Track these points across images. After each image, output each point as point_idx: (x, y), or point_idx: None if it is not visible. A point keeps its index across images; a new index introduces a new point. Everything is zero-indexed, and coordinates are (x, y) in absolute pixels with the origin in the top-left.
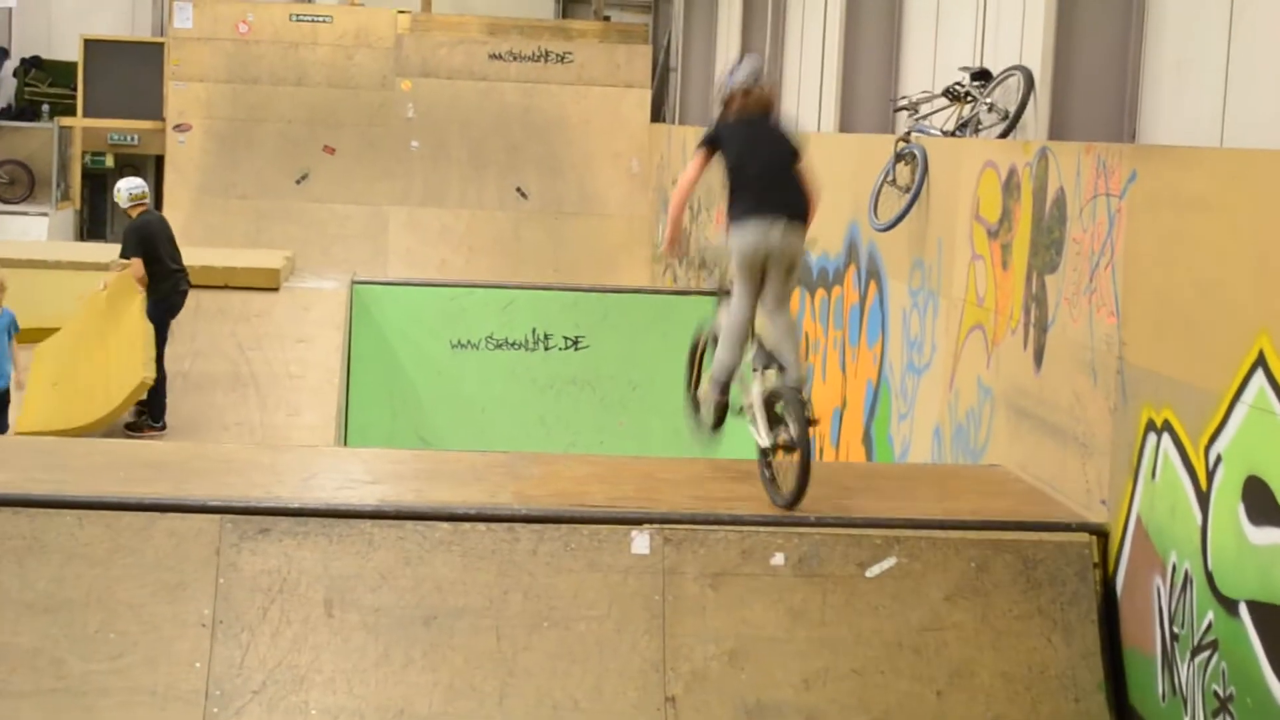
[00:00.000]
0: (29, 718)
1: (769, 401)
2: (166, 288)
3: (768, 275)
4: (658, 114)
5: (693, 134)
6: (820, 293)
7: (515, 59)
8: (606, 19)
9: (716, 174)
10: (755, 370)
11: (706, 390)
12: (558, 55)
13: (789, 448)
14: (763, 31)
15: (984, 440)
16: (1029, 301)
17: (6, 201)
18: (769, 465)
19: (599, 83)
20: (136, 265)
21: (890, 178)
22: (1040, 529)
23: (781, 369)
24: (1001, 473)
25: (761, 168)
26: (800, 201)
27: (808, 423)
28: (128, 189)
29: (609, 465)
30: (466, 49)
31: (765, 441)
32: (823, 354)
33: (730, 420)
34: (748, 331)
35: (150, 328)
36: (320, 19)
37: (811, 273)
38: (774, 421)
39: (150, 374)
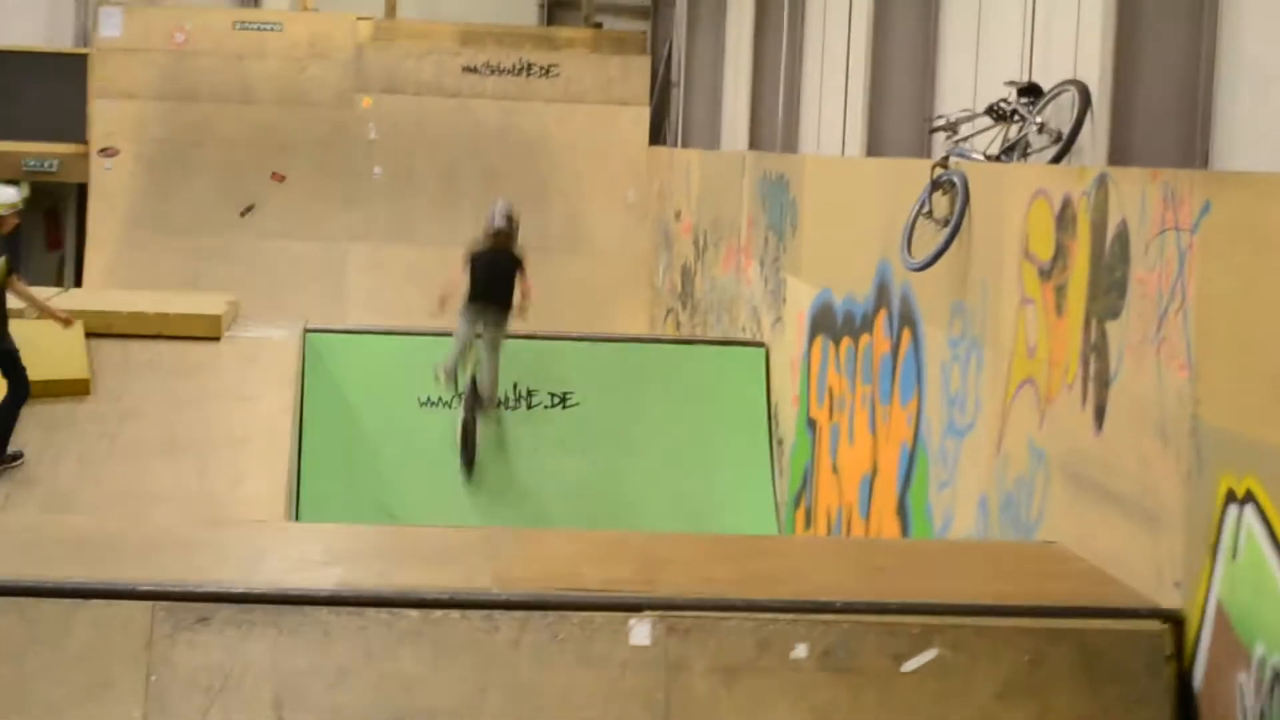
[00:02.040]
0: None
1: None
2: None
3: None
4: (657, 135)
5: (698, 158)
6: (846, 342)
7: (493, 72)
8: (598, 26)
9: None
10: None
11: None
12: (541, 68)
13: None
14: (777, 40)
15: (1037, 512)
16: (1087, 352)
17: None
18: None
19: (589, 99)
20: None
21: (926, 209)
22: (1104, 615)
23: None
24: (1058, 550)
25: (487, 277)
26: (507, 295)
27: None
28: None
29: (602, 542)
30: (436, 61)
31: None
32: (849, 412)
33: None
34: (467, 346)
35: None
36: (268, 27)
37: (835, 319)
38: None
39: None
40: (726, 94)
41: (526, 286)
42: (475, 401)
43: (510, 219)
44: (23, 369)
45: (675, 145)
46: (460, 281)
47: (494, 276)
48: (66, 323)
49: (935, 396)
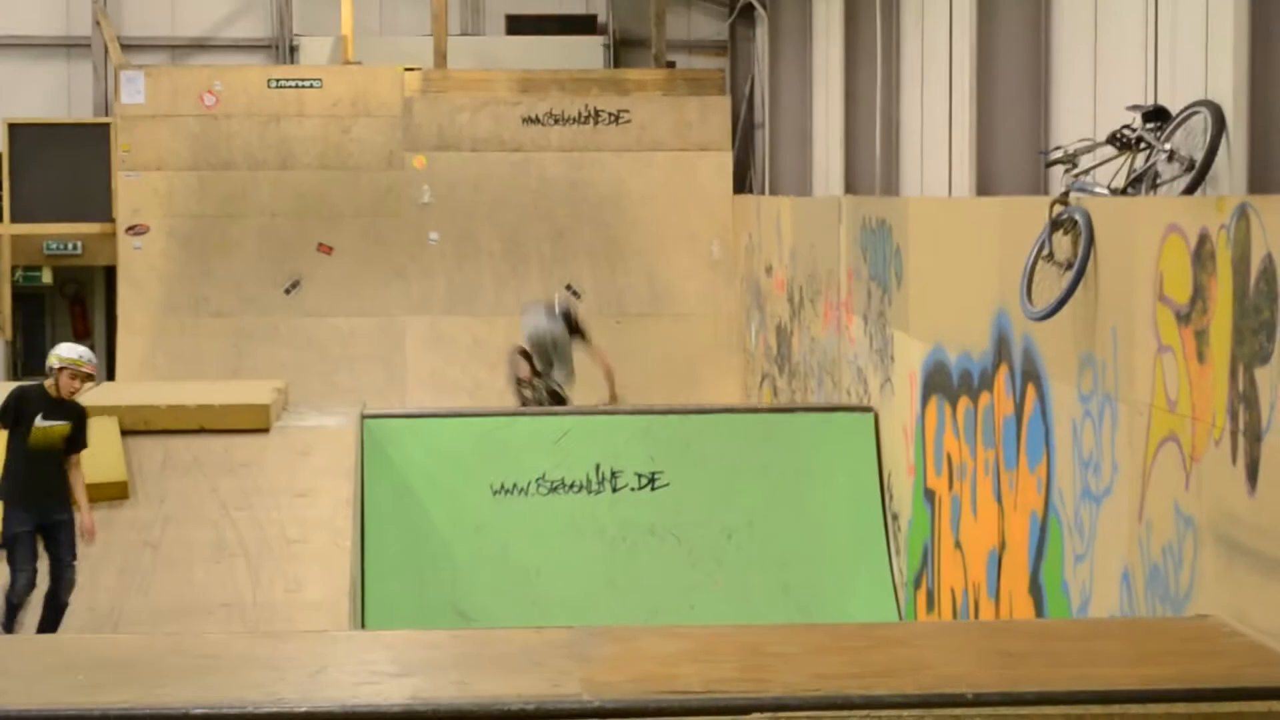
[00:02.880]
0: None
1: None
2: None
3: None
4: (742, 182)
5: (789, 206)
6: (963, 402)
7: (557, 121)
8: (670, 66)
9: None
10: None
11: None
12: (610, 114)
13: None
14: (871, 72)
15: (1188, 584)
16: (1236, 403)
17: None
18: None
19: (665, 146)
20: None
21: (1046, 251)
22: (1270, 697)
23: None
24: (1213, 625)
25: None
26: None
27: None
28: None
29: (703, 638)
30: (494, 112)
31: None
32: (970, 480)
33: None
34: None
35: None
36: (307, 84)
37: (950, 377)
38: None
39: None
40: (817, 133)
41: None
42: None
43: (567, 316)
44: (74, 564)
45: (762, 193)
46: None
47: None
48: (88, 536)
49: (1066, 459)
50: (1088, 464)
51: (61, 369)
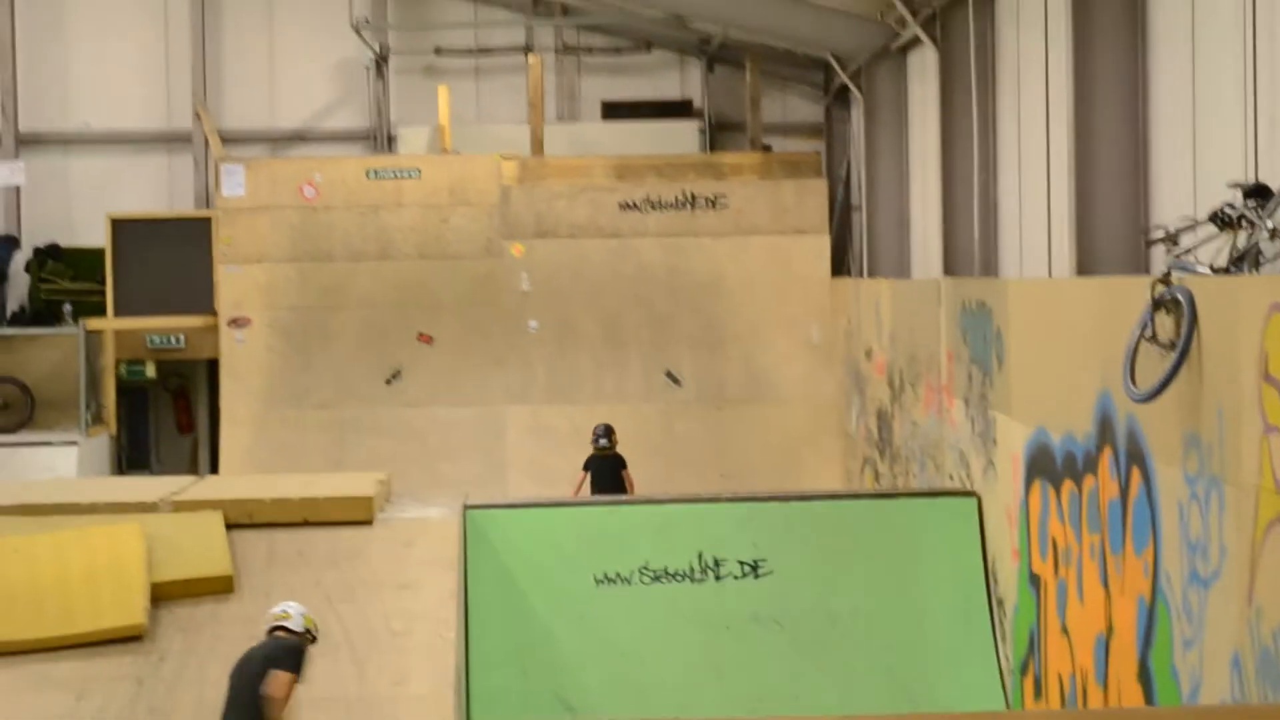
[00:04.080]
0: None
1: None
2: None
3: None
4: (840, 265)
5: (888, 289)
6: (1067, 485)
7: (654, 207)
8: (767, 149)
9: None
10: None
11: None
12: (708, 199)
13: None
14: (968, 151)
15: None
16: None
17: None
18: None
19: (763, 230)
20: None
21: (1148, 332)
22: None
23: None
24: None
25: (600, 479)
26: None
27: None
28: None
29: None
30: (591, 199)
31: None
32: (1076, 565)
33: None
34: None
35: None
36: (405, 174)
37: (1054, 460)
38: None
39: (144, 622)
40: (914, 215)
41: (630, 480)
42: None
43: (609, 435)
44: None
45: (860, 275)
46: (583, 481)
47: (605, 476)
48: None
49: (1173, 543)
50: (1195, 547)
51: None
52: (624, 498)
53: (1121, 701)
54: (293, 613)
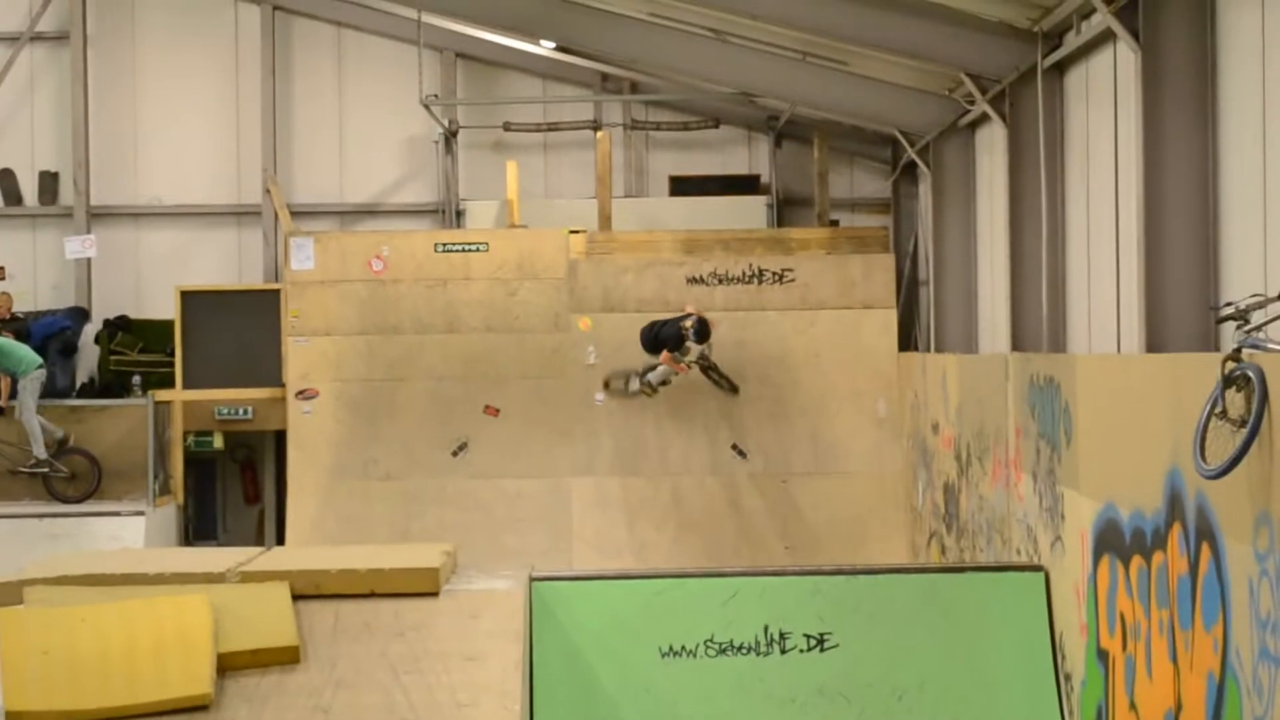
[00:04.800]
0: None
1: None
2: None
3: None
4: (907, 339)
5: (955, 363)
6: (1136, 561)
7: (721, 281)
8: (834, 224)
9: None
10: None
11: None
12: (775, 274)
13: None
14: (1036, 226)
15: None
16: None
17: (67, 500)
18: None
19: (830, 305)
20: None
21: (1219, 409)
22: None
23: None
24: None
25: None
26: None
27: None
28: None
29: None
30: (658, 273)
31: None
32: (1145, 640)
33: None
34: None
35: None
36: (474, 248)
37: (1123, 536)
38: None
39: (210, 692)
40: (982, 289)
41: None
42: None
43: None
44: None
45: (928, 350)
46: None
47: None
48: None
49: (1243, 619)
50: (1265, 624)
51: None
52: (689, 570)
53: None
54: None
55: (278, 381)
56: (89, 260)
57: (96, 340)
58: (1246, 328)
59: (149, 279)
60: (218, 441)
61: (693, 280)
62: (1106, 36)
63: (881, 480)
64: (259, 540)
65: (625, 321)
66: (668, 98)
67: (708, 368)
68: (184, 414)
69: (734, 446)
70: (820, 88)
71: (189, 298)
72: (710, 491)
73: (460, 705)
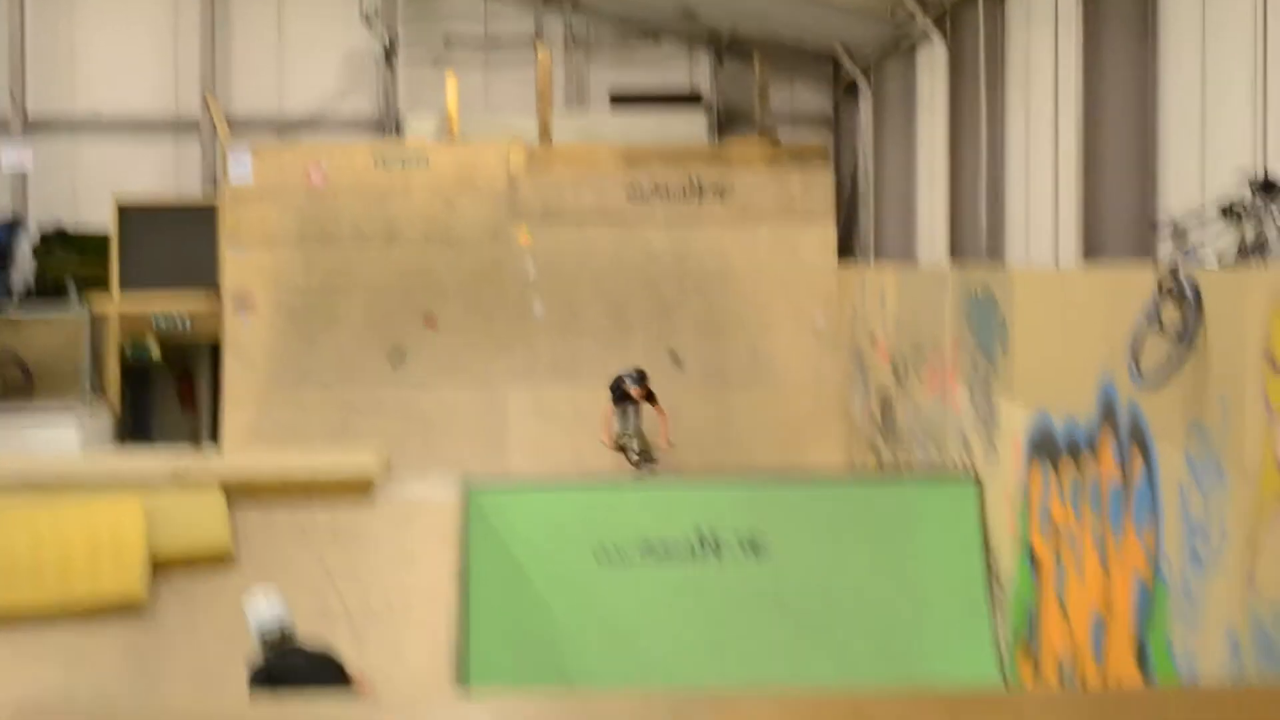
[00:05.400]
0: None
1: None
2: None
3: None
4: (845, 253)
5: (893, 277)
6: (1069, 468)
7: (661, 196)
8: (774, 139)
9: None
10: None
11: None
12: (715, 188)
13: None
14: (975, 143)
15: None
16: None
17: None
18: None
19: (769, 219)
20: None
21: (1154, 320)
22: None
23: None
24: None
25: None
26: None
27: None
28: (261, 627)
29: (806, 705)
30: (598, 187)
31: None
32: (1076, 545)
33: None
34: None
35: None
36: (413, 161)
37: (1056, 443)
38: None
39: (143, 593)
40: (921, 204)
41: (660, 410)
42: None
43: (643, 380)
44: None
45: (866, 263)
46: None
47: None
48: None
49: (1174, 525)
50: (1196, 530)
51: None
52: (625, 479)
53: (1118, 680)
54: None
55: (215, 292)
56: (24, 174)
57: (34, 252)
58: (1183, 242)
59: (86, 191)
60: (155, 352)
61: (632, 194)
62: None
63: (819, 391)
64: (195, 448)
65: (565, 235)
66: (608, 13)
67: (624, 448)
68: (121, 325)
69: (671, 354)
70: (762, 5)
71: (127, 211)
72: None
73: (394, 609)
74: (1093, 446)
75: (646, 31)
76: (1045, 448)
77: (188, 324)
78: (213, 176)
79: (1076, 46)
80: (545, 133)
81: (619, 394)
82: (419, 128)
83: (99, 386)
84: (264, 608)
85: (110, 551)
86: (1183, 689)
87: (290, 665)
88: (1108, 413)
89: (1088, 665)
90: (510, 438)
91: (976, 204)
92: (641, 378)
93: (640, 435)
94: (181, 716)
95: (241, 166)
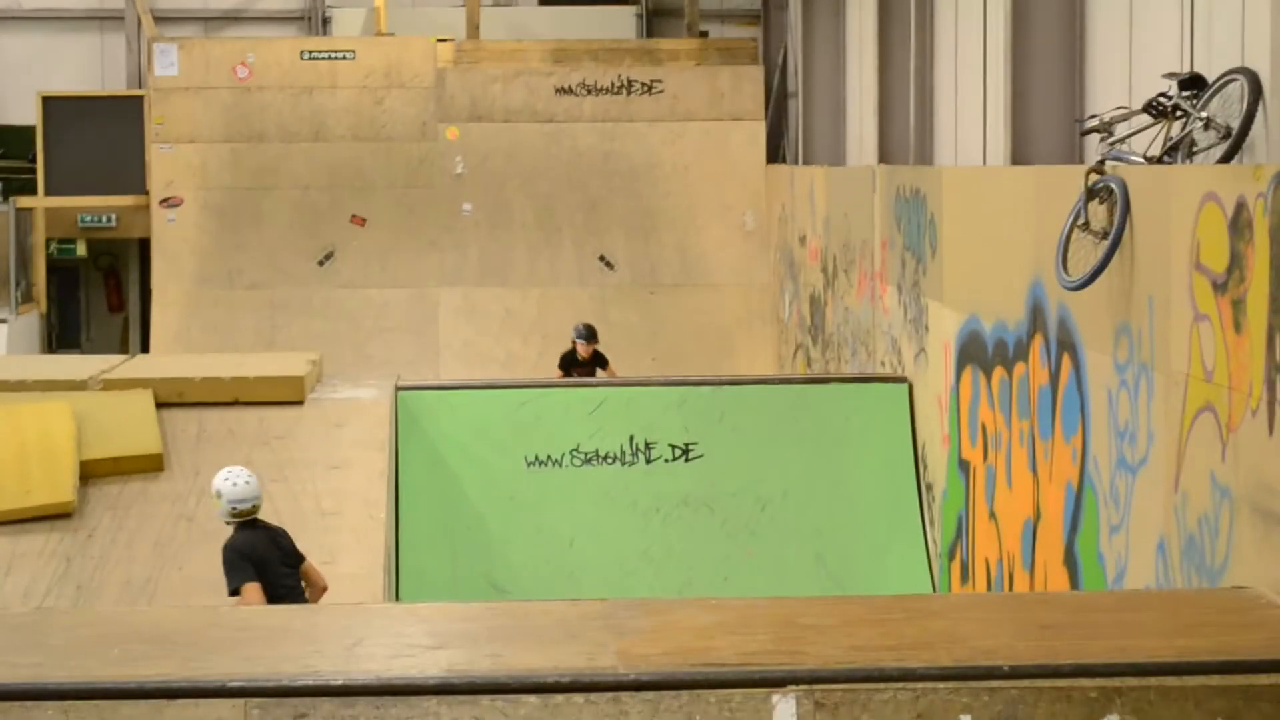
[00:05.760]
0: None
1: None
2: None
3: None
4: (775, 152)
5: (823, 176)
6: (998, 372)
7: (590, 92)
8: (703, 35)
9: None
10: None
11: None
12: (644, 85)
13: None
14: (904, 40)
15: (1224, 555)
16: (1273, 373)
17: None
18: None
19: (698, 117)
20: (254, 593)
21: (1081, 220)
22: None
23: None
24: (1250, 596)
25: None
26: None
27: None
28: (231, 499)
29: (737, 610)
30: (527, 83)
31: None
32: (1005, 450)
33: None
34: None
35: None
36: (340, 55)
37: (985, 347)
38: None
39: (73, 499)
40: (850, 103)
41: (612, 373)
42: None
43: (592, 335)
44: None
45: (796, 162)
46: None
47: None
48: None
49: (1102, 430)
50: (1123, 434)
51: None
52: (555, 380)
53: (1047, 585)
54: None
55: (142, 189)
56: None
57: None
58: (1110, 140)
59: (9, 84)
60: (81, 249)
61: (561, 91)
62: None
63: (748, 292)
64: (123, 349)
65: (493, 131)
66: None
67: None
68: (46, 221)
69: (601, 258)
70: None
71: (51, 103)
72: (577, 303)
73: (325, 513)
74: (1022, 350)
75: None
76: (975, 352)
77: (114, 220)
78: (138, 72)
79: None
80: (473, 27)
81: (567, 364)
82: (346, 22)
83: (25, 285)
84: (241, 482)
85: (40, 458)
86: (1109, 593)
87: (256, 539)
88: (1036, 316)
89: (1018, 571)
90: (440, 338)
91: (906, 103)
92: (590, 334)
93: None
94: (111, 621)
95: (167, 59)
